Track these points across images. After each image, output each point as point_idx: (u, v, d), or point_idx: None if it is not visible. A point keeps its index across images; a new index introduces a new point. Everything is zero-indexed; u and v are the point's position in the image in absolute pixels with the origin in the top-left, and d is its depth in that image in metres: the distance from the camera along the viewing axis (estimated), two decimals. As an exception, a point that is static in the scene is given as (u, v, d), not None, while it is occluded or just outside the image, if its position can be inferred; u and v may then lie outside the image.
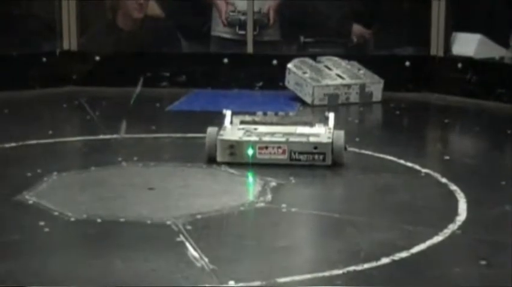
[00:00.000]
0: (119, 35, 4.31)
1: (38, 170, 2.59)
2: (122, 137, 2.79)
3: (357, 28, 4.56)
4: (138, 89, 2.70)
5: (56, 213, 2.22)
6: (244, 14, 4.28)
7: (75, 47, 4.23)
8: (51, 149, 2.96)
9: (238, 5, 4.31)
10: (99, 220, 2.17)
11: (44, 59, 4.16)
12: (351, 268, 1.87)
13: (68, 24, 4.22)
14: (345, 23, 4.61)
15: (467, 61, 3.94)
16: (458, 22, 4.10)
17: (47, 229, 2.11)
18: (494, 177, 2.60)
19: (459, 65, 3.93)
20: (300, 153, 2.68)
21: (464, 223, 2.17)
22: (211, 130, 2.75)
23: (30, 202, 2.32)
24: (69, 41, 4.22)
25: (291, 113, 3.02)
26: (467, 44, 4.01)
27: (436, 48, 4.04)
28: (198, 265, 1.89)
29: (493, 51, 4.02)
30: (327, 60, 3.98)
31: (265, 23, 4.33)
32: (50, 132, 3.13)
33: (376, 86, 3.87)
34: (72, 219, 2.18)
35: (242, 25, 4.27)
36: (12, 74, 4.01)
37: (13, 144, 2.96)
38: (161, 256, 1.96)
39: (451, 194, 2.42)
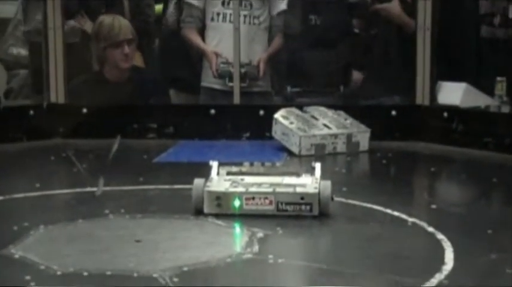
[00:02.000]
0: (106, 86, 4.33)
1: (25, 224, 2.59)
2: (99, 194, 2.79)
3: (356, 75, 4.63)
4: (115, 146, 2.71)
5: (43, 267, 2.21)
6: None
7: (62, 99, 4.25)
8: (38, 202, 2.96)
9: (229, 56, 4.35)
10: (85, 273, 2.16)
11: (31, 112, 4.17)
12: (339, 320, 1.86)
13: (55, 77, 4.24)
14: (347, 70, 4.68)
15: (453, 110, 3.97)
16: (444, 71, 4.14)
17: (33, 284, 2.10)
18: (481, 226, 2.60)
19: (445, 114, 3.97)
20: (287, 203, 2.69)
21: (451, 272, 2.17)
22: (197, 182, 2.75)
23: (16, 256, 2.31)
24: (56, 93, 4.24)
25: (277, 164, 3.03)
26: (453, 93, 4.04)
27: (421, 98, 4.08)
28: (185, 318, 1.88)
29: (479, 99, 4.06)
30: (314, 110, 4.00)
31: (254, 75, 4.37)
32: (37, 185, 3.13)
33: (362, 136, 3.90)
34: (59, 273, 2.17)
35: (232, 77, 4.31)
36: (-1, 128, 4.03)
37: (0, 197, 2.96)
38: (148, 309, 1.95)
39: (438, 243, 2.42)
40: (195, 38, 4.55)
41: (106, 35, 4.28)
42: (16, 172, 3.50)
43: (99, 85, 4.36)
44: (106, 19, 4.36)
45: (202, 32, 4.60)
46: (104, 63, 4.34)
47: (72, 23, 4.64)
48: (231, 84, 4.35)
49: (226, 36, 4.40)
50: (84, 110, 4.20)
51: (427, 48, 4.07)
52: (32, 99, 4.68)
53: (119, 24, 4.32)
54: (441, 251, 2.34)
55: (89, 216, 2.71)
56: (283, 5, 4.59)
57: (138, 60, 4.52)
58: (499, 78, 4.07)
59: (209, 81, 4.51)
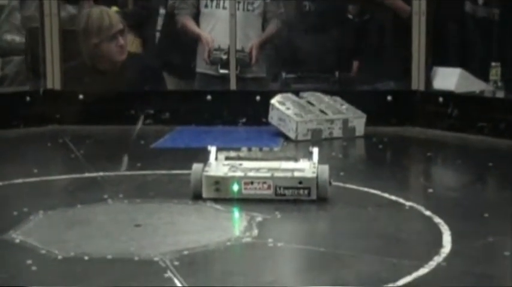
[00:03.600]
0: (100, 76, 4.30)
1: (24, 209, 2.60)
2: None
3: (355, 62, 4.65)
4: (139, 125, 2.72)
5: (43, 251, 2.23)
6: (226, 53, 4.32)
7: (58, 86, 4.25)
8: (36, 187, 2.97)
9: (222, 43, 4.35)
10: (86, 258, 2.18)
11: (28, 98, 4.18)
12: (338, 302, 1.88)
13: (51, 63, 4.24)
14: (345, 56, 4.70)
15: (448, 95, 3.99)
16: (439, 56, 4.16)
17: (34, 268, 2.11)
18: (477, 209, 2.62)
19: (440, 99, 3.98)
20: (285, 188, 2.70)
21: (449, 255, 2.20)
22: (196, 167, 2.76)
23: (17, 240, 2.32)
24: (53, 80, 4.24)
25: (275, 149, 3.04)
26: (448, 78, 4.06)
27: (417, 83, 4.10)
28: (187, 301, 1.90)
29: (474, 85, 4.07)
30: (310, 96, 4.01)
31: (246, 62, 4.37)
32: (35, 171, 3.14)
33: (358, 121, 3.91)
34: (60, 257, 2.19)
35: (224, 64, 4.31)
36: (-4, 113, 4.03)
37: (-1, 183, 2.97)
38: (149, 292, 1.97)
39: (436, 226, 2.44)
40: (190, 24, 4.56)
41: (97, 30, 4.16)
42: (14, 158, 3.50)
43: (92, 74, 4.31)
44: (93, 12, 4.23)
45: (196, 18, 4.61)
46: (96, 58, 4.23)
47: (71, 9, 4.62)
48: (222, 71, 4.36)
49: (220, 23, 4.41)
50: (81, 96, 4.20)
51: (422, 34, 4.07)
52: (29, 86, 4.69)
53: (108, 16, 4.19)
54: (439, 234, 2.36)
55: (88, 201, 2.72)
56: (277, -9, 4.59)
57: (135, 46, 4.50)
58: (493, 64, 4.09)
59: (204, 67, 4.52)
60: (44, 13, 4.20)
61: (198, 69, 4.57)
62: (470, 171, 3.30)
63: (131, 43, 4.53)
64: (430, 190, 2.91)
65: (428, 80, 4.09)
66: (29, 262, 2.14)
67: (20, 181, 3.02)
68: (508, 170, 3.25)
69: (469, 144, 3.75)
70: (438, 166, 3.55)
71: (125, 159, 2.77)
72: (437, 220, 2.50)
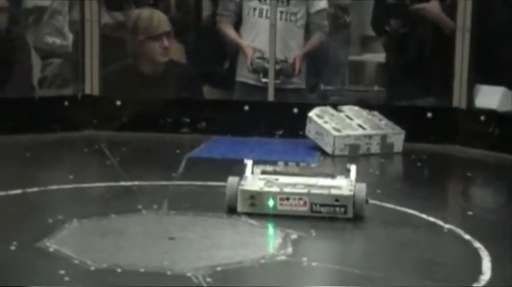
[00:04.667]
0: (140, 79, 4.33)
1: (59, 217, 2.59)
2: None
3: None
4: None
5: (77, 261, 2.21)
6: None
7: (96, 91, 4.25)
8: (71, 194, 2.96)
9: (266, 51, 4.33)
10: (119, 270, 2.16)
11: (66, 103, 4.18)
12: (374, 327, 1.84)
13: (90, 68, 4.25)
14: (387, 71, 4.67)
15: (490, 114, 3.93)
16: (482, 74, 4.10)
17: (67, 278, 2.09)
18: (519, 235, 2.57)
19: (482, 118, 3.92)
20: (321, 205, 2.66)
21: (489, 282, 2.14)
22: (232, 180, 2.74)
23: (51, 249, 2.31)
24: (91, 85, 4.25)
25: (312, 164, 3.00)
26: (490, 97, 4.00)
27: (458, 100, 4.04)
28: (219, 320, 1.87)
29: (517, 104, 4.01)
30: (348, 110, 3.97)
31: (290, 73, 4.35)
32: (71, 177, 3.13)
33: (397, 137, 3.86)
34: (92, 268, 2.17)
35: (267, 72, 4.29)
36: (34, 117, 4.04)
37: (35, 189, 2.96)
38: (181, 309, 1.94)
39: (475, 251, 2.39)
40: (231, 32, 4.55)
41: (145, 28, 4.27)
42: (50, 163, 3.51)
43: (131, 77, 4.35)
44: (143, 12, 4.36)
45: (237, 27, 4.59)
46: (140, 57, 4.33)
47: (118, 15, 4.63)
48: (264, 80, 4.34)
49: (262, 32, 4.39)
50: (118, 103, 4.20)
51: (466, 50, 4.02)
52: (66, 90, 4.70)
53: (158, 17, 4.32)
54: (478, 260, 2.31)
55: (122, 211, 2.70)
56: (322, 4, 4.56)
57: (178, 54, 4.50)
58: (537, 83, 4.03)
59: (244, 76, 4.50)
60: (85, 18, 4.21)
61: (238, 79, 4.55)
62: (510, 193, 3.23)
63: (175, 49, 4.54)
64: (470, 212, 2.85)
65: (470, 98, 4.03)
66: (62, 272, 2.12)
67: (55, 187, 3.01)
68: (550, 193, 3.19)
69: (510, 165, 3.68)
70: (478, 187, 3.48)
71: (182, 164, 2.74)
72: (476, 244, 2.44)
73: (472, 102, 4.03)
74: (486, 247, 2.40)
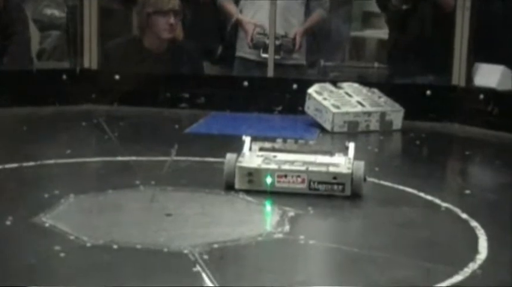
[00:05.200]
0: (142, 54, 4.30)
1: (56, 192, 2.58)
2: (172, 160, 2.75)
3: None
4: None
5: (72, 237, 2.20)
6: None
7: (95, 65, 4.23)
8: (68, 169, 2.95)
9: (266, 27, 4.30)
10: (115, 246, 2.15)
11: (64, 76, 4.17)
12: (370, 307, 1.84)
13: (89, 42, 4.22)
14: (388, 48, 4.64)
15: (489, 92, 3.91)
16: (481, 53, 4.08)
17: (62, 254, 2.09)
18: (516, 214, 2.57)
19: (481, 96, 3.91)
20: (319, 183, 2.66)
21: (485, 262, 2.14)
22: (230, 157, 2.73)
23: (47, 224, 2.30)
24: (90, 58, 4.23)
25: (310, 142, 2.99)
26: (490, 75, 3.98)
27: (457, 78, 4.02)
28: (215, 297, 1.87)
29: (516, 83, 4.00)
30: (348, 87, 3.96)
31: (290, 48, 4.33)
32: (68, 151, 3.12)
33: (396, 115, 3.85)
34: (88, 244, 2.16)
35: (267, 48, 4.26)
36: (31, 90, 4.02)
37: (31, 163, 2.95)
38: (177, 286, 1.93)
39: (472, 231, 2.38)
40: (231, 8, 4.52)
41: (154, 1, 4.24)
42: (47, 138, 3.49)
43: (135, 52, 4.33)
44: None
45: (237, 2, 4.56)
46: (146, 30, 4.30)
47: None
48: (264, 55, 4.32)
49: (262, 8, 4.36)
50: (117, 77, 4.19)
51: (466, 29, 4.00)
52: (65, 63, 4.68)
53: None
54: (475, 239, 2.30)
55: (119, 186, 2.69)
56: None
57: (178, 31, 4.47)
58: (537, 62, 4.01)
59: (244, 51, 4.47)
60: (83, -10, 4.19)
61: (238, 54, 4.53)
62: (508, 172, 3.22)
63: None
64: (467, 191, 2.85)
65: (469, 76, 4.02)
66: (58, 248, 2.12)
67: (52, 161, 3.00)
68: (548, 173, 3.19)
69: (509, 143, 3.67)
70: (476, 166, 3.47)
71: (175, 148, 2.73)
72: (473, 223, 2.44)
73: (471, 81, 4.02)
74: (483, 226, 2.40)
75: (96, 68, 4.23)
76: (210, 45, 4.65)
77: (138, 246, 2.16)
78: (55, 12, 5.51)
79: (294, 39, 4.35)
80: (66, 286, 1.91)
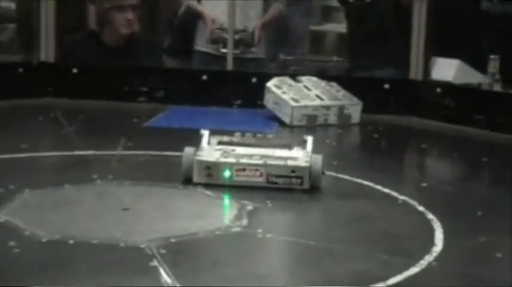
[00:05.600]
0: (102, 49, 4.26)
1: (10, 187, 2.55)
2: (119, 155, 2.74)
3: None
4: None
5: (28, 233, 2.18)
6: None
7: (52, 58, 4.19)
8: (24, 164, 2.92)
9: (224, 23, 4.29)
10: (71, 241, 2.13)
11: (21, 69, 4.12)
12: (326, 299, 1.85)
13: (45, 35, 4.18)
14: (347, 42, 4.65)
15: (446, 86, 3.95)
16: (438, 47, 4.11)
17: (17, 250, 2.07)
18: (471, 206, 2.59)
19: (438, 90, 3.94)
20: (278, 176, 2.66)
21: (441, 254, 2.16)
22: (188, 150, 2.72)
23: (1, 220, 2.28)
24: (47, 52, 4.18)
25: (269, 135, 3.00)
26: (446, 69, 4.02)
27: (415, 72, 4.05)
28: (171, 291, 1.86)
29: (472, 77, 4.04)
30: (307, 80, 3.96)
31: (249, 43, 4.32)
32: (24, 146, 3.08)
33: (354, 108, 3.87)
34: (44, 239, 2.14)
35: (226, 43, 4.26)
36: (-13, 84, 3.98)
37: (-14, 158, 2.92)
38: (134, 281, 1.93)
39: (428, 223, 2.41)
40: (192, 2, 4.50)
41: None
42: (2, 132, 3.45)
43: (93, 46, 4.29)
44: None
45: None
46: (104, 25, 4.26)
47: None
48: (224, 50, 4.31)
49: (221, 2, 4.34)
50: (75, 70, 4.15)
51: (423, 23, 4.02)
52: (21, 56, 4.62)
53: None
54: (431, 232, 2.32)
55: (76, 181, 2.67)
56: (280, -27, 4.53)
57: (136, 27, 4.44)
58: (492, 56, 4.05)
59: (203, 45, 4.46)
60: (40, -17, 4.14)
61: (197, 48, 4.51)
62: (465, 165, 3.26)
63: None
64: (424, 184, 2.87)
65: (427, 70, 4.05)
66: (12, 243, 2.09)
67: (7, 156, 2.97)
68: (503, 165, 3.22)
69: (465, 136, 3.71)
70: (433, 159, 3.51)
71: (122, 141, 2.71)
72: (430, 216, 2.46)
73: (429, 75, 4.05)
74: (439, 218, 2.42)
75: (54, 61, 4.18)
76: (169, 38, 4.62)
77: (95, 241, 2.14)
78: (11, 5, 5.43)
79: (253, 33, 4.34)
80: (21, 282, 1.89)
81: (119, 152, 2.70)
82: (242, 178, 2.66)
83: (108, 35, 4.26)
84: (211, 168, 2.67)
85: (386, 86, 4.04)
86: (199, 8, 4.45)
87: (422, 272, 2.04)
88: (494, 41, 4.29)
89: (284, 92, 3.82)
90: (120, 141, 2.67)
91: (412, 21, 4.03)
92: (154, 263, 2.01)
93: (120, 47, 4.26)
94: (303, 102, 3.78)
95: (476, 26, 4.37)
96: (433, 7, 4.01)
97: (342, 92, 3.93)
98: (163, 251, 2.08)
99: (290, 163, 2.68)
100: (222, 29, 4.31)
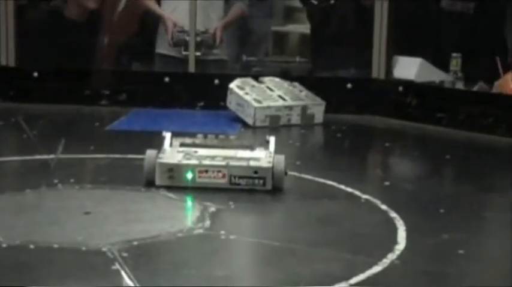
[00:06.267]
0: (65, 25, 4.21)
1: (-30, 192, 2.52)
2: (57, 158, 2.72)
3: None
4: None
5: (-12, 238, 2.16)
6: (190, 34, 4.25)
7: (12, 62, 4.15)
8: (-16, 169, 2.89)
9: (185, 25, 4.27)
10: (32, 246, 2.11)
11: (-19, 74, 4.08)
12: (290, 299, 1.84)
13: (5, 39, 4.14)
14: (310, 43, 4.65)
15: (408, 84, 3.97)
16: (400, 46, 4.13)
17: (-24, 256, 2.04)
18: (433, 204, 2.60)
19: (400, 88, 3.96)
20: (240, 177, 2.65)
21: (403, 252, 2.16)
22: (150, 153, 2.70)
23: (-39, 226, 2.25)
24: (7, 56, 4.14)
25: (231, 136, 2.99)
26: (409, 68, 4.04)
27: (377, 71, 4.07)
28: (133, 295, 1.84)
29: (434, 75, 4.06)
30: (269, 81, 3.96)
31: (211, 44, 4.31)
32: (-16, 151, 3.05)
33: (317, 108, 3.87)
34: (4, 245, 2.12)
35: (187, 46, 4.24)
36: None
37: None
38: (95, 285, 1.91)
39: (391, 221, 2.41)
40: (152, 4, 4.47)
41: None
42: (-38, 137, 3.41)
43: (55, 23, 4.24)
44: None
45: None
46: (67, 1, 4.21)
47: None
48: (186, 53, 4.29)
49: (182, 4, 4.33)
50: (36, 74, 4.11)
51: (384, 22, 4.04)
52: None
53: None
54: (394, 230, 2.33)
55: (37, 186, 2.64)
56: (241, -27, 4.52)
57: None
58: (454, 55, 4.08)
59: (164, 47, 4.44)
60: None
61: (158, 51, 4.49)
62: (427, 163, 3.28)
63: None
64: (387, 183, 2.88)
65: (389, 69, 4.07)
66: (-28, 249, 2.07)
67: (-33, 161, 2.94)
68: (465, 163, 3.25)
69: (428, 135, 3.74)
70: (396, 157, 3.52)
71: (62, 143, 2.69)
72: (392, 214, 2.47)
73: (391, 73, 4.07)
74: (402, 217, 2.43)
75: (14, 66, 4.14)
76: (129, 40, 4.60)
77: (56, 245, 2.12)
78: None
79: (214, 34, 4.33)
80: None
81: (57, 155, 2.68)
82: (205, 180, 2.65)
83: (72, 10, 4.21)
84: (173, 170, 2.66)
85: (349, 85, 4.05)
86: (160, 11, 4.43)
87: (385, 270, 2.04)
88: (456, 39, 4.32)
89: (247, 93, 3.81)
90: (59, 144, 2.65)
91: (374, 21, 4.04)
92: (116, 266, 1.99)
93: (83, 23, 4.22)
94: (265, 103, 3.78)
95: (437, 25, 4.40)
96: (394, 6, 4.03)
97: (304, 92, 3.93)
98: (125, 254, 2.07)
99: (252, 163, 2.67)
100: (183, 32, 4.29)
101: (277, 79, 3.99)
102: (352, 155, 3.39)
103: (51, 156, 2.69)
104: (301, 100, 3.87)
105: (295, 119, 3.81)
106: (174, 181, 2.65)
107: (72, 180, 2.71)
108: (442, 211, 2.53)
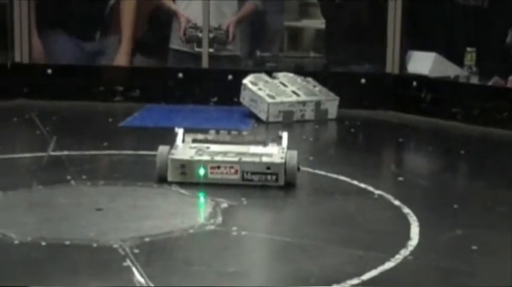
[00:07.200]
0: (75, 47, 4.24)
1: (-17, 189, 2.53)
2: (49, 155, 2.72)
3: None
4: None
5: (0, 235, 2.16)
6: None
7: (26, 59, 4.16)
8: (-3, 165, 2.89)
9: (198, 21, 4.27)
10: (43, 243, 2.11)
11: (-5, 71, 4.09)
12: (301, 296, 1.83)
13: (19, 36, 4.15)
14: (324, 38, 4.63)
15: (422, 79, 3.95)
16: (414, 40, 4.11)
17: (-12, 253, 2.04)
18: (447, 200, 2.58)
19: (414, 83, 3.94)
20: (253, 173, 2.64)
21: (416, 248, 2.15)
22: (162, 149, 2.70)
23: (-27, 223, 2.25)
24: (21, 53, 4.15)
25: (244, 132, 2.98)
26: (423, 63, 4.02)
27: (391, 66, 4.05)
28: (144, 291, 1.84)
29: (448, 69, 4.04)
30: (283, 77, 3.95)
31: (223, 40, 4.31)
32: (-2, 147, 3.06)
33: (331, 103, 3.86)
34: (16, 242, 2.12)
35: (200, 42, 4.24)
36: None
37: (-42, 160, 2.89)
38: (106, 281, 1.91)
39: (404, 217, 2.40)
40: (166, 0, 4.47)
41: None
42: (-23, 134, 3.42)
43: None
44: None
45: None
46: None
47: None
48: (198, 49, 4.29)
49: (196, 0, 4.32)
50: (49, 71, 4.12)
51: (398, 17, 4.02)
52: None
53: None
54: (407, 225, 2.31)
55: (50, 182, 2.64)
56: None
57: None
58: (468, 49, 4.05)
59: (178, 43, 4.43)
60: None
61: (172, 46, 4.49)
62: (441, 159, 3.26)
63: None
64: (400, 178, 2.87)
65: (403, 64, 4.04)
66: (-16, 246, 2.07)
67: (-19, 158, 2.94)
68: (479, 158, 3.23)
69: (441, 130, 3.71)
70: (409, 152, 3.50)
71: (53, 140, 2.69)
72: (406, 210, 2.45)
73: (405, 68, 4.04)
74: (415, 212, 2.41)
75: (28, 62, 4.15)
76: (143, 37, 4.60)
77: (67, 242, 2.12)
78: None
79: (227, 30, 4.33)
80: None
81: (48, 153, 2.69)
82: (217, 176, 2.64)
83: None
84: (185, 166, 2.65)
85: (363, 80, 4.03)
86: (174, 6, 4.42)
87: (398, 266, 2.03)
88: (470, 33, 4.29)
89: (260, 89, 3.81)
90: (51, 141, 2.65)
91: (388, 16, 4.02)
92: (128, 263, 1.99)
93: None
94: (279, 99, 3.77)
95: (451, 19, 4.37)
96: (407, 1, 4.01)
97: (318, 88, 3.92)
98: (136, 250, 2.06)
99: (265, 159, 2.66)
100: (196, 28, 4.29)
101: (290, 75, 3.98)
102: (365, 151, 3.38)
103: (43, 154, 2.69)
104: (315, 95, 3.86)
105: (309, 114, 3.80)
106: (186, 177, 2.65)
107: (84, 176, 2.71)
108: (455, 206, 2.51)
